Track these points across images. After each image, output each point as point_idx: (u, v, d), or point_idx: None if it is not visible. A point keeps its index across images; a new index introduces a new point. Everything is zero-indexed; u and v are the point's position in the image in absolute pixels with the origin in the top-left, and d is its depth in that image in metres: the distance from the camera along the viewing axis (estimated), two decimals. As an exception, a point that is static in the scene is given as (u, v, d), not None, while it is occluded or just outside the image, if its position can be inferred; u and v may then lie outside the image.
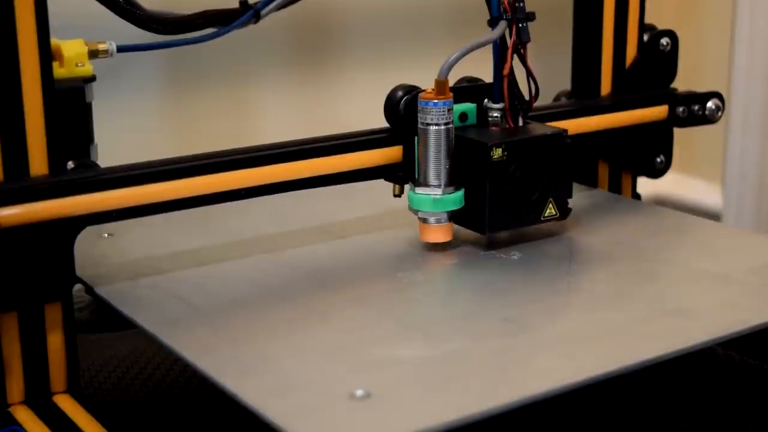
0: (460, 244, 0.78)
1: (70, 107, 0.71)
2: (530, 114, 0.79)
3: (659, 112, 0.91)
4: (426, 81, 0.78)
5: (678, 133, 0.94)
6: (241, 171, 0.72)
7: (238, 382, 0.57)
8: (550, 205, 0.77)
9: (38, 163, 0.67)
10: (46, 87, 0.67)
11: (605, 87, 0.92)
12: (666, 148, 0.94)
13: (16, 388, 0.69)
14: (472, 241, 0.78)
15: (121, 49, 0.74)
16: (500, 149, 0.73)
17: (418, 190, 0.74)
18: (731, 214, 1.20)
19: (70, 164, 0.70)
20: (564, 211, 0.78)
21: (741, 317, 0.65)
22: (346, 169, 0.76)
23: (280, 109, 1.07)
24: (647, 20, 0.93)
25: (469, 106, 0.77)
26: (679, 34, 0.93)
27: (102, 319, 0.84)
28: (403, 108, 0.76)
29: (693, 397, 0.76)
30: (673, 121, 0.92)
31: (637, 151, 0.93)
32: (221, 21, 0.79)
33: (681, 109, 0.91)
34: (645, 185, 0.99)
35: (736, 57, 1.16)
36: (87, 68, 0.72)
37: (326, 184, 0.76)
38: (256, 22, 0.80)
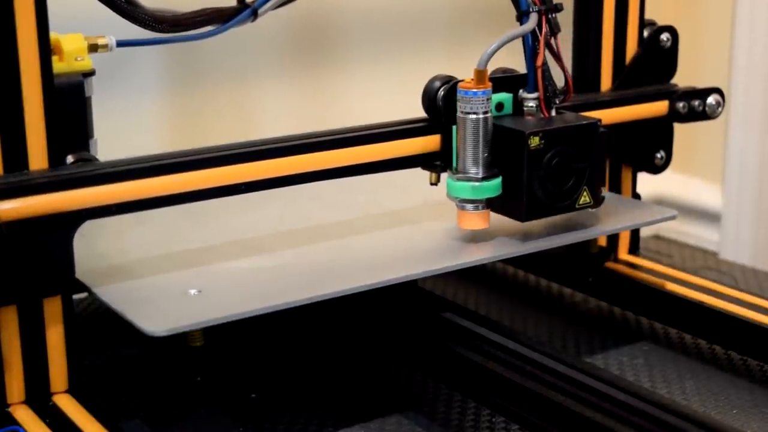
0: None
1: (70, 101, 0.70)
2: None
3: (659, 107, 0.91)
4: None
5: (678, 133, 0.94)
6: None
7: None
8: (585, 193, 0.77)
9: (38, 157, 0.67)
10: (45, 81, 0.67)
11: (605, 82, 0.92)
12: (666, 143, 0.94)
13: (16, 387, 0.69)
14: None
15: (120, 44, 0.75)
16: (537, 137, 0.74)
17: (457, 177, 0.75)
18: (731, 214, 1.19)
19: (70, 158, 0.69)
20: (597, 200, 0.78)
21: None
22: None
23: (279, 107, 1.07)
24: (647, 16, 0.93)
25: (505, 96, 0.78)
26: (679, 30, 0.93)
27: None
28: (441, 98, 0.76)
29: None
30: (673, 116, 0.92)
31: (637, 147, 0.93)
32: (220, 19, 0.80)
33: (681, 104, 0.91)
34: (645, 185, 0.99)
35: (737, 54, 1.16)
36: (86, 62, 0.72)
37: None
38: (253, 20, 0.81)
